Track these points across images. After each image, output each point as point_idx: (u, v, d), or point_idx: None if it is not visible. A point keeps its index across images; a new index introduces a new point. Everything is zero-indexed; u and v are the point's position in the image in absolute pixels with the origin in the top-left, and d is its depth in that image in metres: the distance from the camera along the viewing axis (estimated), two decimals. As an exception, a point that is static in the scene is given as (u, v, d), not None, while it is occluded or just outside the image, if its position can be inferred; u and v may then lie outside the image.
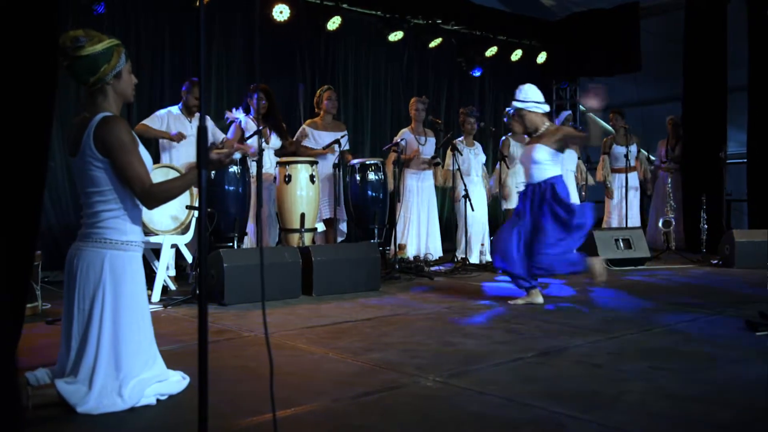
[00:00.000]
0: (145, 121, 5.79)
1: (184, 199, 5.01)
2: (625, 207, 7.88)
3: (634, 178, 8.12)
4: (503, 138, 7.46)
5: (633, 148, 8.00)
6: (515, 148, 7.26)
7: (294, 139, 6.40)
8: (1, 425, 1.67)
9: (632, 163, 7.98)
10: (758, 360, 3.12)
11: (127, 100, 2.70)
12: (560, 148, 4.67)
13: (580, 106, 10.79)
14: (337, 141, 6.14)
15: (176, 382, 2.63)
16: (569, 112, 8.15)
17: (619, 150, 8.05)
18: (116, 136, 2.48)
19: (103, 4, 6.06)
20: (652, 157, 9.30)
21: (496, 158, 7.31)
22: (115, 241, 2.53)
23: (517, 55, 9.39)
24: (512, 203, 7.28)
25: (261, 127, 6.04)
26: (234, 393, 2.63)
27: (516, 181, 7.31)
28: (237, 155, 5.34)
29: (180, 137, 5.71)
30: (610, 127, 8.37)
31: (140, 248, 2.65)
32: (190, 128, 5.89)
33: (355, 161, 6.42)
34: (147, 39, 6.69)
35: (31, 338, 3.55)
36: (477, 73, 9.19)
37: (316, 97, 6.68)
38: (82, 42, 2.47)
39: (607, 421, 2.30)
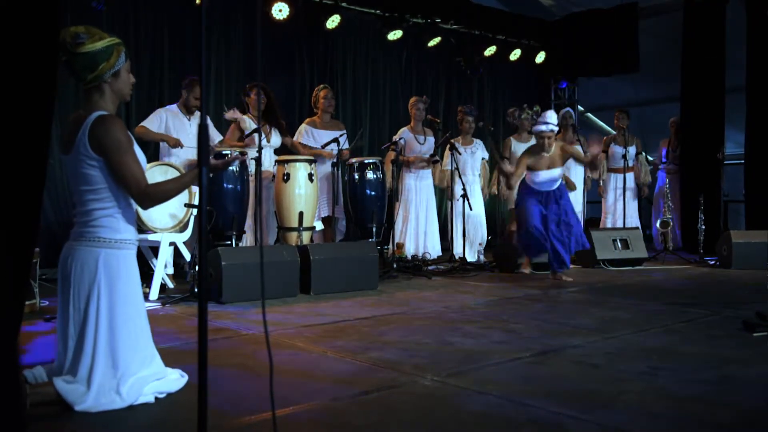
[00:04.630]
0: (144, 123, 5.77)
1: (183, 197, 5.00)
2: (622, 207, 7.90)
3: (630, 179, 8.13)
4: (505, 138, 7.46)
5: (632, 150, 8.01)
6: (517, 149, 7.24)
7: (294, 140, 6.39)
8: (2, 423, 1.67)
9: (630, 163, 7.98)
10: (756, 360, 3.13)
11: (124, 99, 2.69)
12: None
13: (579, 106, 10.80)
14: (335, 140, 6.14)
15: (174, 380, 2.62)
16: (568, 109, 8.18)
17: (618, 150, 8.06)
18: (112, 136, 2.47)
19: (102, 1, 6.04)
20: (650, 158, 9.30)
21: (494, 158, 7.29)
22: (109, 239, 2.53)
23: (515, 54, 9.40)
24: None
25: (260, 125, 6.03)
26: (233, 391, 2.63)
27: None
28: (236, 164, 5.34)
29: (177, 144, 5.67)
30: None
31: (134, 246, 2.64)
32: (189, 127, 5.88)
33: (354, 160, 6.41)
34: (146, 37, 6.67)
35: (29, 335, 3.55)
36: (476, 73, 9.19)
37: (312, 97, 6.68)
38: (83, 38, 2.46)
39: (606, 420, 2.30)
